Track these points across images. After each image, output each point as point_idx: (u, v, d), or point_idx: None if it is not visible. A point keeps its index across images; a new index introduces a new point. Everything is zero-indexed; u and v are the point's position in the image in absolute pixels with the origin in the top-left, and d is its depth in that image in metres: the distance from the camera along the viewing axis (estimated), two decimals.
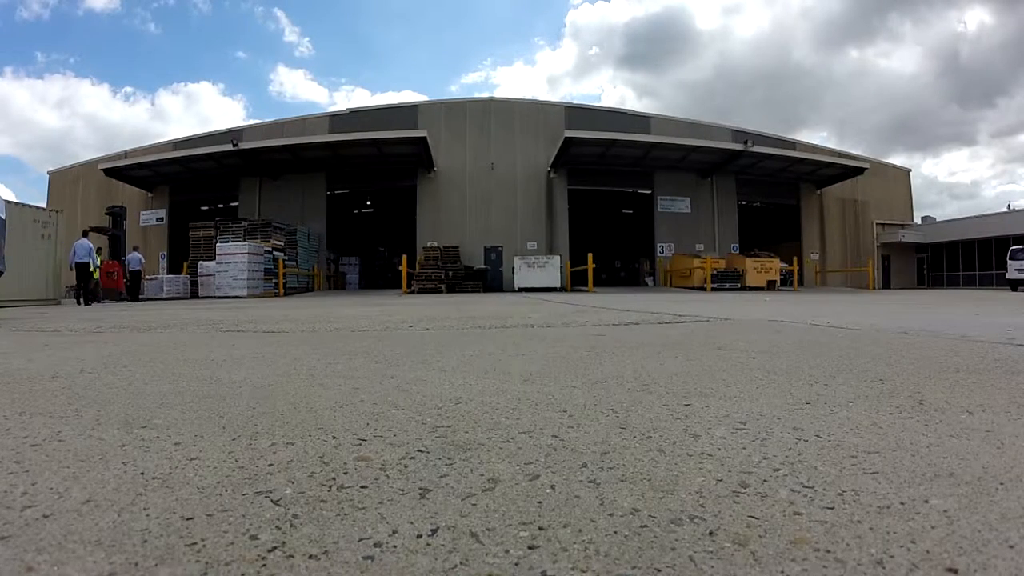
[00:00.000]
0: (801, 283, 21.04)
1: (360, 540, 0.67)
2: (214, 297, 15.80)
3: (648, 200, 22.64)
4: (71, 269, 12.83)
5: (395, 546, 0.66)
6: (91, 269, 13.77)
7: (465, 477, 0.89)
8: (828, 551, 0.63)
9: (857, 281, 23.71)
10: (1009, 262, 19.22)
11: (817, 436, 1.10)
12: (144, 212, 22.80)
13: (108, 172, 21.25)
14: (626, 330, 3.53)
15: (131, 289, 15.15)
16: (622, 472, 0.91)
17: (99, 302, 13.71)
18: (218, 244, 16.71)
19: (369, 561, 0.62)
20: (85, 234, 13.71)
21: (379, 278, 27.41)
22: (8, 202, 10.01)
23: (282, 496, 0.82)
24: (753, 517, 0.72)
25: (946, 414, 1.26)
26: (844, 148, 32.51)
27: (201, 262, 17.15)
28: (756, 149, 20.25)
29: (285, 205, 21.04)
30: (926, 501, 0.77)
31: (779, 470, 0.90)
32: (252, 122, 33.27)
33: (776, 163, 21.77)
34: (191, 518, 0.74)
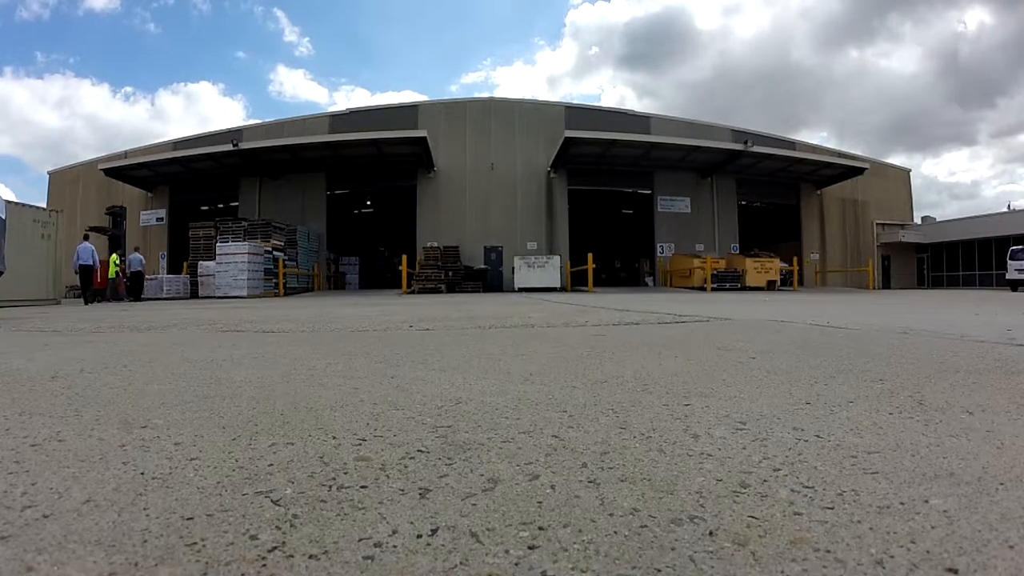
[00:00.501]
0: (801, 283, 21.03)
1: (360, 540, 0.67)
2: (214, 297, 15.80)
3: (648, 200, 22.63)
4: (76, 272, 13.06)
5: (395, 546, 0.66)
6: (114, 270, 14.20)
7: (465, 477, 0.89)
8: (828, 551, 0.63)
9: (857, 281, 23.71)
10: (1009, 262, 19.22)
11: (817, 436, 1.10)
12: (144, 212, 22.80)
13: (108, 172, 21.25)
14: (626, 330, 3.53)
15: (133, 290, 15.19)
16: (622, 472, 0.91)
17: (119, 300, 13.96)
18: (218, 244, 16.71)
19: (369, 561, 0.62)
20: (86, 237, 13.85)
21: (379, 278, 27.40)
22: (8, 202, 10.05)
23: (282, 496, 0.82)
24: (753, 517, 0.72)
25: (946, 414, 1.26)
26: (844, 148, 32.51)
27: (201, 262, 17.14)
28: (756, 149, 20.25)
29: (285, 205, 21.04)
30: (926, 501, 0.77)
31: (779, 470, 0.90)
32: (252, 122, 33.32)
33: (776, 163, 21.76)
34: (191, 518, 0.74)
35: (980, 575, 0.58)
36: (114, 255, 15.21)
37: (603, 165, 21.38)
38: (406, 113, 22.29)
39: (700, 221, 22.40)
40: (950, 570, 0.59)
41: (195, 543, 0.67)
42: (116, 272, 14.93)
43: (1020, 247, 19.54)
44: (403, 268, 16.96)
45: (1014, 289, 17.63)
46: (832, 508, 0.75)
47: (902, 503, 0.76)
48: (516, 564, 0.61)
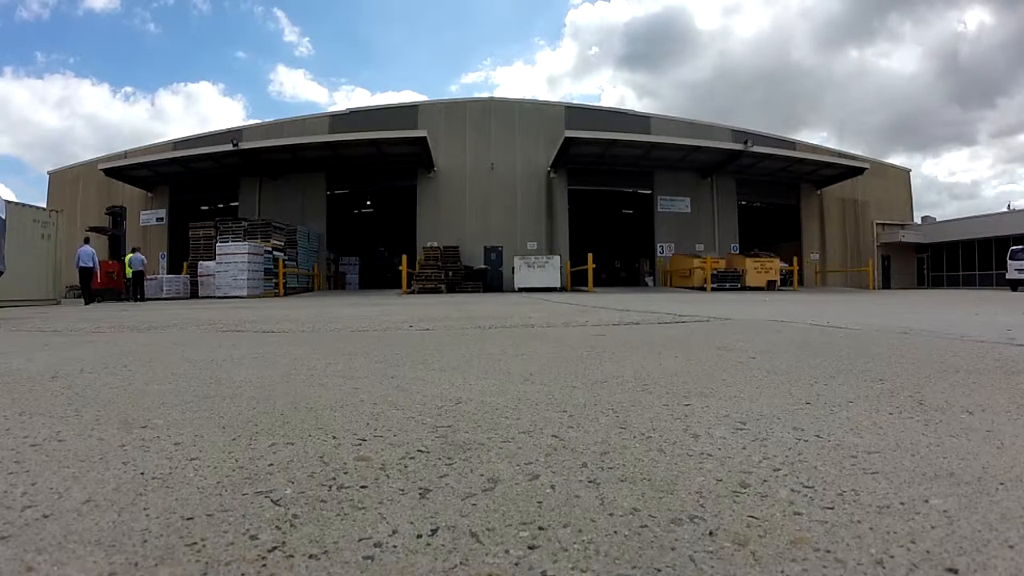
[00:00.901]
0: (801, 283, 21.03)
1: (360, 540, 0.67)
2: (214, 297, 15.80)
3: (648, 200, 22.63)
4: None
5: (395, 546, 0.66)
6: (131, 272, 14.66)
7: (465, 477, 0.89)
8: (828, 551, 0.63)
9: (857, 281, 23.71)
10: (1009, 262, 19.22)
11: (817, 436, 1.10)
12: (144, 212, 22.80)
13: (108, 172, 21.24)
14: (626, 330, 3.53)
15: (135, 289, 15.25)
16: (622, 472, 0.91)
17: (139, 300, 14.18)
18: (218, 244, 16.71)
19: (369, 561, 0.62)
20: (87, 240, 14.09)
21: (379, 278, 27.40)
22: (8, 202, 10.08)
23: (282, 496, 0.82)
24: (753, 517, 0.72)
25: (946, 414, 1.26)
26: (844, 148, 32.50)
27: (201, 262, 17.14)
28: (756, 149, 20.24)
29: (285, 205, 21.04)
30: (926, 501, 0.77)
31: (779, 470, 0.90)
32: (252, 122, 33.35)
33: (776, 163, 21.76)
34: (191, 518, 0.74)
35: (980, 575, 0.58)
36: (128, 256, 15.54)
37: (603, 165, 21.38)
38: (406, 113, 22.28)
39: (700, 221, 22.40)
40: (950, 570, 0.59)
41: (195, 543, 0.67)
42: (132, 273, 15.27)
43: (1020, 247, 19.54)
44: (403, 268, 16.95)
45: (1014, 289, 17.63)
46: (832, 508, 0.75)
47: (902, 503, 0.76)
48: (516, 564, 0.61)
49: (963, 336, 2.87)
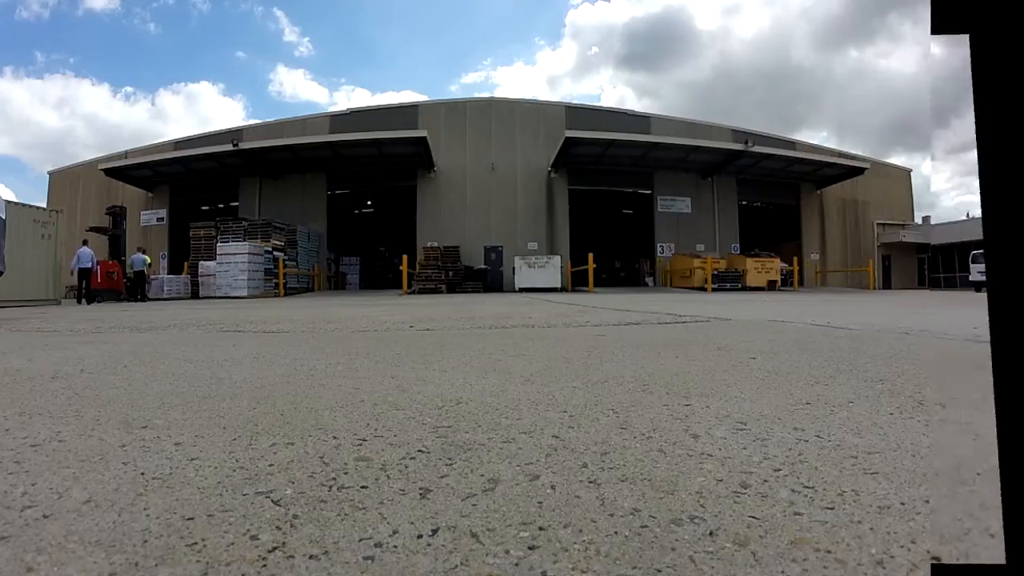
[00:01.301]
0: (801, 283, 21.03)
1: (360, 540, 0.67)
2: (214, 297, 15.81)
3: (648, 200, 22.62)
4: (72, 274, 13.38)
5: (395, 546, 0.66)
6: (133, 271, 14.90)
7: (465, 477, 0.89)
8: (828, 551, 0.63)
9: (857, 281, 23.70)
10: (972, 265, 19.32)
11: (817, 436, 1.10)
12: (144, 212, 22.80)
13: (108, 172, 21.24)
14: (626, 330, 3.53)
15: (133, 289, 15.26)
16: (622, 472, 0.91)
17: (145, 300, 14.28)
18: (218, 244, 16.72)
19: (369, 561, 0.62)
20: (85, 242, 14.20)
21: (379, 278, 27.40)
22: (8, 202, 10.10)
23: (282, 496, 0.82)
24: (753, 517, 0.72)
25: (946, 414, 1.26)
26: (844, 148, 32.48)
27: (201, 262, 17.14)
28: (756, 149, 20.23)
29: (285, 205, 21.03)
30: (926, 501, 0.77)
31: (779, 470, 0.90)
32: (252, 122, 33.38)
33: (776, 163, 21.75)
34: (191, 518, 0.74)
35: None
36: (146, 257, 15.73)
37: (603, 165, 21.37)
38: (406, 113, 22.28)
39: (700, 221, 22.39)
40: None
41: (195, 543, 0.67)
42: (133, 272, 15.37)
43: (981, 251, 19.54)
44: (403, 268, 16.95)
45: (978, 290, 17.63)
46: (832, 508, 0.75)
47: (902, 503, 0.76)
48: (516, 564, 0.61)
49: (963, 336, 2.87)
